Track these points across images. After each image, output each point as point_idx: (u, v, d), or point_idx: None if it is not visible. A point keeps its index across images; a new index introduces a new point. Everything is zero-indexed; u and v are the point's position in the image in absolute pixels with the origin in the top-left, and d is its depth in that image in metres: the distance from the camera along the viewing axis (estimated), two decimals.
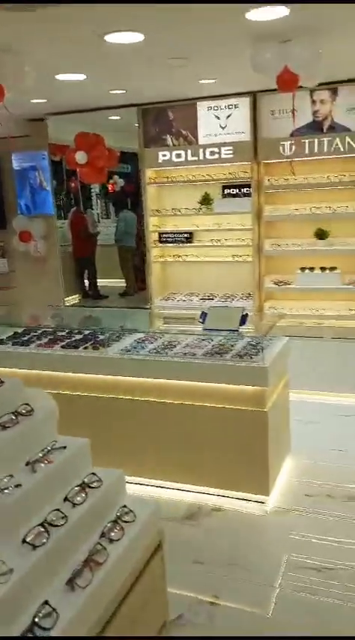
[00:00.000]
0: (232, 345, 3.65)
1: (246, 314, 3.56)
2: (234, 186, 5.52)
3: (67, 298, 6.64)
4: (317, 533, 3.21)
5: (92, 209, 7.13)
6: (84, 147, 5.57)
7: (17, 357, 3.91)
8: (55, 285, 6.22)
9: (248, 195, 5.36)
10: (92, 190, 7.17)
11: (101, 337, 3.96)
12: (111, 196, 7.23)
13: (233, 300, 5.55)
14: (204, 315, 3.65)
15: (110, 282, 6.91)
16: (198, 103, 5.31)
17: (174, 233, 5.77)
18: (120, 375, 3.66)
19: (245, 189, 5.42)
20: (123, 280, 6.87)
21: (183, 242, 5.74)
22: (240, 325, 3.53)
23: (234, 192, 5.55)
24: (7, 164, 6.32)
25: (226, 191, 5.57)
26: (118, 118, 5.92)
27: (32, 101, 4.98)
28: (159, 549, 2.42)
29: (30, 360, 3.87)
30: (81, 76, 4.12)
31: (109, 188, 6.97)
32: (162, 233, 5.80)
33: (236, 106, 5.20)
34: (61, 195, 6.45)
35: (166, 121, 5.45)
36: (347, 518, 3.33)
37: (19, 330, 4.26)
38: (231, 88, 4.97)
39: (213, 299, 5.64)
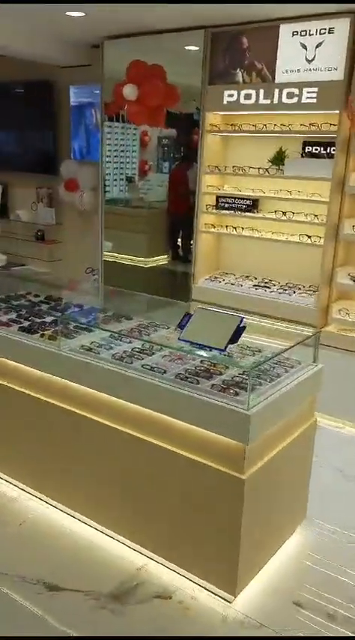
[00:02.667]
0: (227, 367, 2.50)
1: (243, 327, 2.38)
2: (317, 143, 4.15)
3: (151, 259, 5.81)
4: None
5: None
6: (136, 79, 4.52)
7: None
8: (96, 247, 5.35)
9: (332, 156, 3.98)
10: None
11: (81, 322, 3.02)
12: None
13: (294, 292, 4.27)
14: (186, 318, 2.53)
15: None
16: (281, 26, 3.97)
17: (234, 198, 4.57)
18: (71, 380, 2.71)
19: (331, 148, 4.04)
20: None
21: (243, 210, 4.53)
22: (230, 343, 2.37)
23: (317, 151, 4.19)
24: (63, 99, 5.47)
25: (307, 149, 4.23)
26: (197, 48, 4.73)
27: (68, 14, 4.02)
28: None
29: None
30: None
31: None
32: (220, 196, 4.62)
33: (330, 31, 3.78)
34: (181, 148, 5.47)
35: (239, 49, 4.18)
36: None
37: (10, 295, 3.49)
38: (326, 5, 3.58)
39: (269, 287, 4.41)
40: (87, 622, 2.29)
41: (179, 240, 5.73)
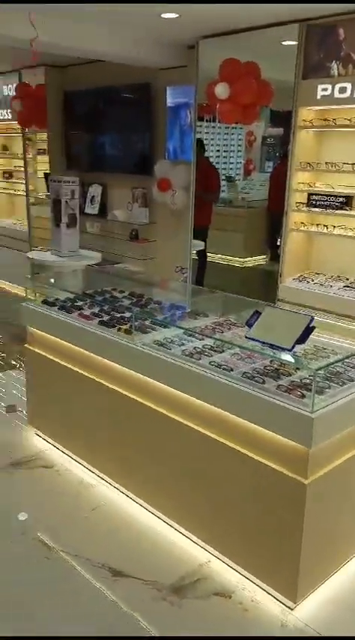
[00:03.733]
0: (298, 369, 2.43)
1: (312, 327, 2.29)
2: None
3: (249, 259, 5.85)
4: None
5: None
6: (228, 77, 4.51)
7: (49, 322, 3.35)
8: (186, 246, 5.41)
9: None
10: None
11: (157, 319, 3.08)
12: None
13: None
14: (255, 316, 2.48)
15: None
16: None
17: (327, 195, 4.40)
18: (143, 374, 2.78)
19: None
20: None
21: (335, 208, 4.35)
22: (298, 343, 2.29)
23: None
24: (160, 100, 5.59)
25: None
26: (293, 43, 4.62)
27: (162, 16, 4.10)
28: None
29: (60, 328, 3.26)
30: None
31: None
32: (312, 194, 4.48)
33: None
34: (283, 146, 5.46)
35: (334, 41, 4.02)
36: None
37: (98, 290, 3.67)
38: None
39: None
40: (145, 611, 2.33)
41: (279, 240, 5.63)
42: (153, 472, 2.85)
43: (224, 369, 2.45)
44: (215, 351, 2.68)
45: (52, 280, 4.38)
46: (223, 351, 2.68)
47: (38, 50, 2.68)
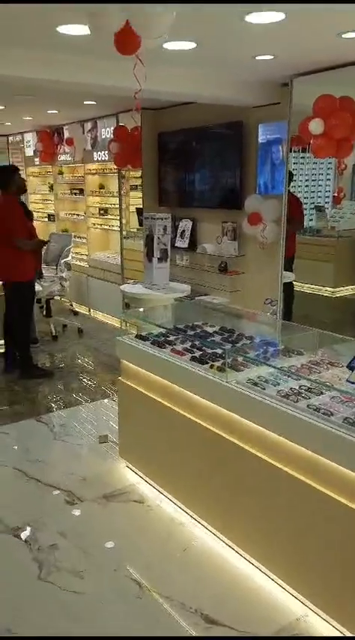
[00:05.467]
0: None
1: None
2: None
3: (340, 288, 5.74)
4: None
5: None
6: (322, 113, 4.47)
7: (142, 356, 3.41)
8: (276, 278, 5.36)
9: None
10: None
11: (250, 356, 3.05)
12: None
13: None
14: None
15: None
16: None
17: None
18: (235, 413, 2.74)
19: None
20: None
21: None
22: None
23: None
24: (252, 136, 5.65)
25: None
26: None
27: (257, 58, 4.17)
28: None
29: (153, 363, 3.31)
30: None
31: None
32: None
33: None
34: None
35: None
36: None
37: (189, 325, 3.71)
38: None
39: None
40: None
41: None
42: (245, 515, 2.77)
43: (323, 413, 2.36)
44: (313, 392, 2.59)
45: (144, 313, 4.49)
46: (322, 393, 2.59)
47: (140, 98, 2.81)
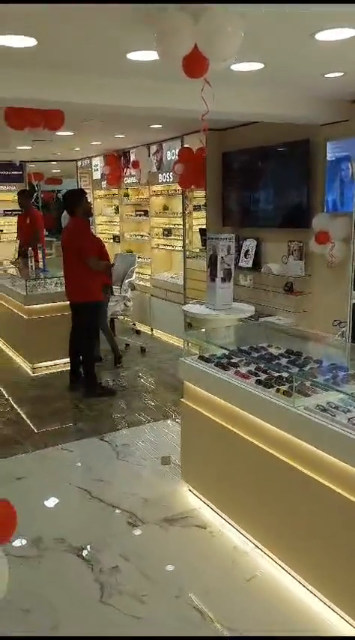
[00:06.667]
0: None
1: None
2: None
3: None
4: None
5: None
6: None
7: (206, 378, 3.36)
8: (345, 298, 5.18)
9: None
10: None
11: (318, 381, 2.94)
12: None
13: None
14: None
15: None
16: None
17: None
18: (302, 440, 2.63)
19: None
20: None
21: None
22: None
23: None
24: (320, 154, 5.55)
25: None
26: None
27: (326, 76, 4.10)
28: None
29: (217, 385, 3.25)
30: None
31: None
32: None
33: None
34: None
35: None
36: None
37: (253, 346, 3.65)
38: None
39: None
40: None
41: None
42: (312, 548, 2.64)
43: None
44: None
45: (207, 333, 4.46)
46: None
47: (207, 119, 2.82)
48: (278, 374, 3.12)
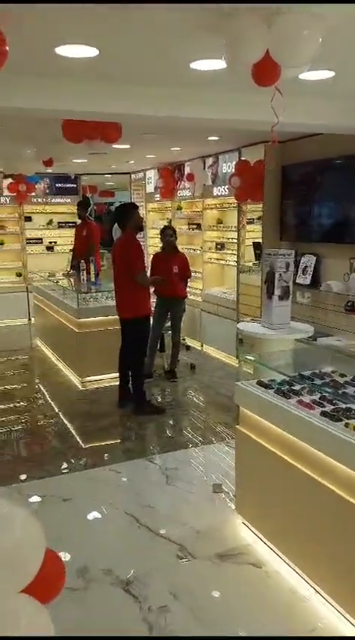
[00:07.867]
0: None
1: None
2: None
3: None
4: None
5: None
6: None
7: (265, 406, 3.14)
8: None
9: None
10: None
11: None
12: None
13: None
14: None
15: None
16: None
17: None
18: None
19: None
20: None
21: None
22: None
23: None
24: None
25: None
26: None
27: None
28: None
29: (277, 414, 3.03)
30: None
31: None
32: None
33: None
34: None
35: None
36: None
37: (315, 372, 3.39)
38: None
39: None
40: None
41: None
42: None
43: None
44: None
45: (264, 355, 4.23)
46: None
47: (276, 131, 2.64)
48: (345, 405, 2.87)
